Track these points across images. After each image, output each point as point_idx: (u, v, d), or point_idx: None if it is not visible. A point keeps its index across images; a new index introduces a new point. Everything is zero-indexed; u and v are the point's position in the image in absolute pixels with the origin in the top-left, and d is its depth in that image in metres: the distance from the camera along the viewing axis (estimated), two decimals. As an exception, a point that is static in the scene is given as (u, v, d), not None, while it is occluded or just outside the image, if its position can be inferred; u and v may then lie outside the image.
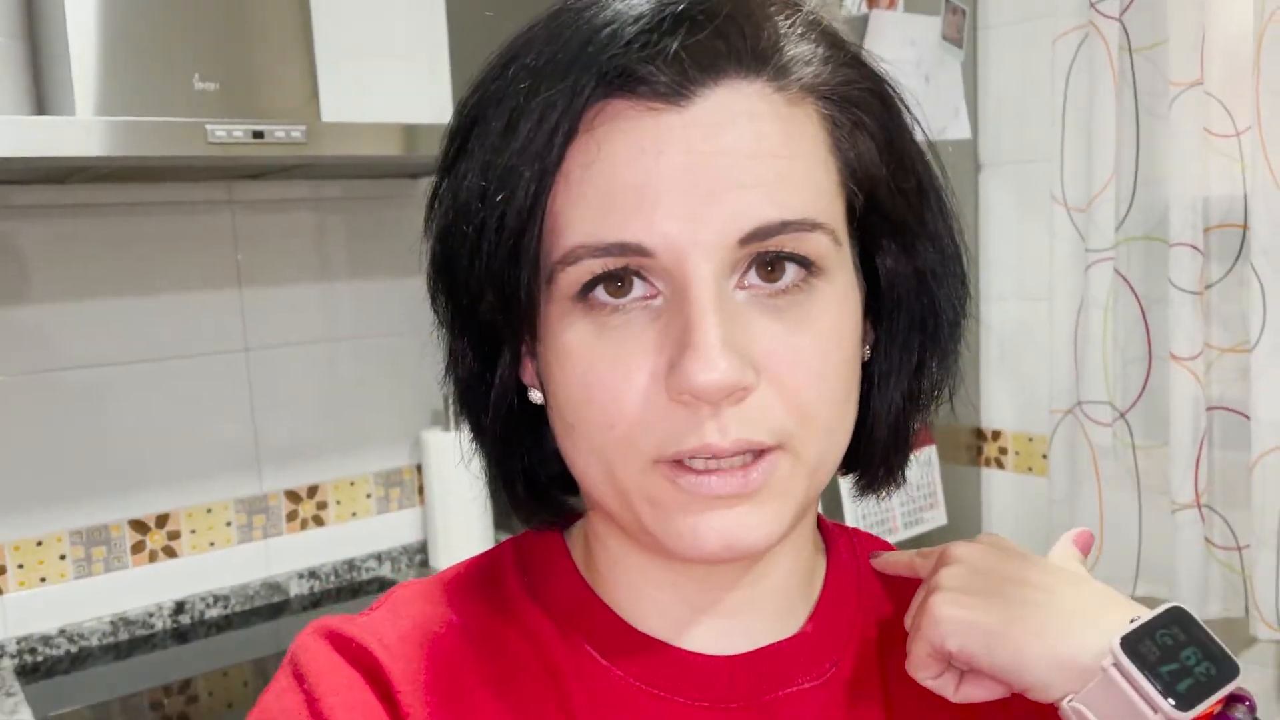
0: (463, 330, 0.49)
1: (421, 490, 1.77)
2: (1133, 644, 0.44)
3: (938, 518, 1.57)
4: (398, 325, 1.74)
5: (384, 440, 1.74)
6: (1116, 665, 0.44)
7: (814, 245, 0.43)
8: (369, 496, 1.73)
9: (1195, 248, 1.31)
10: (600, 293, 0.43)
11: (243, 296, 1.60)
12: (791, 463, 0.44)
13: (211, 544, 1.59)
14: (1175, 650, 0.44)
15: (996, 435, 1.69)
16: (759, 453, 0.43)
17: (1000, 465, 1.69)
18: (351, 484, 1.71)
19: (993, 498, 1.71)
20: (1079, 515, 1.49)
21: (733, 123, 0.42)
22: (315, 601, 1.64)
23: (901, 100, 0.48)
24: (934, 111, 1.54)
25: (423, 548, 1.77)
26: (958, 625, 0.47)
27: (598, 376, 0.43)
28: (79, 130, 1.14)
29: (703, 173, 0.41)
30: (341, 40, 1.59)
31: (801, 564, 0.53)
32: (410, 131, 1.36)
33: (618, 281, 0.43)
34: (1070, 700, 0.45)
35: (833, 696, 0.51)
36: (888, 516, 1.51)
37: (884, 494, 0.53)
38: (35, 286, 1.43)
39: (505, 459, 0.51)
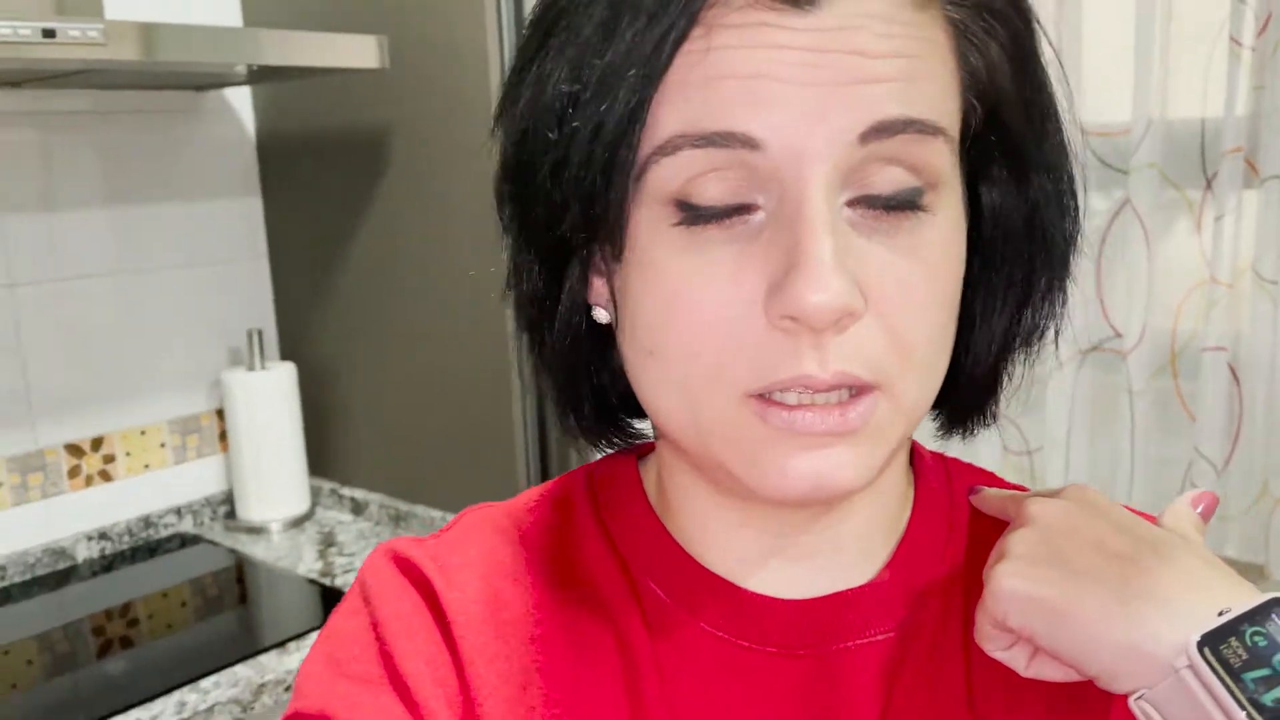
0: (531, 242, 0.45)
1: (224, 436, 1.63)
2: (1214, 642, 0.38)
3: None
4: (192, 255, 1.57)
5: (177, 384, 1.58)
6: (1191, 667, 0.38)
7: (934, 154, 0.41)
8: (163, 446, 1.57)
9: None
10: (693, 203, 0.40)
11: (3, 223, 1.38)
12: (891, 406, 0.42)
13: (-23, 509, 1.39)
14: (1268, 653, 0.38)
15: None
16: (856, 392, 0.40)
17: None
18: (142, 433, 1.55)
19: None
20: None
21: (860, 26, 0.39)
22: (108, 565, 1.48)
23: (1034, 13, 0.45)
24: None
25: (228, 498, 1.63)
26: (1019, 601, 0.42)
27: (686, 298, 0.40)
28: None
29: (824, 68, 0.38)
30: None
31: (887, 505, 0.50)
32: (214, 35, 1.21)
33: (712, 191, 0.40)
34: (1138, 698, 0.40)
35: (908, 649, 0.48)
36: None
37: (971, 434, 0.51)
38: None
39: (572, 380, 0.49)
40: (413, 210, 1.45)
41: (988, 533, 0.51)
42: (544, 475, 1.40)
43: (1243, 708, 0.37)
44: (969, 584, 0.50)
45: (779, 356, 0.39)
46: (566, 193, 0.41)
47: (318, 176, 1.56)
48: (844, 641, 0.48)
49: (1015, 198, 0.46)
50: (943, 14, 0.42)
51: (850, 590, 0.49)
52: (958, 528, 0.52)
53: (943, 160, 0.41)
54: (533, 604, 0.50)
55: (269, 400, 1.54)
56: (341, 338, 1.59)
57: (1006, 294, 0.47)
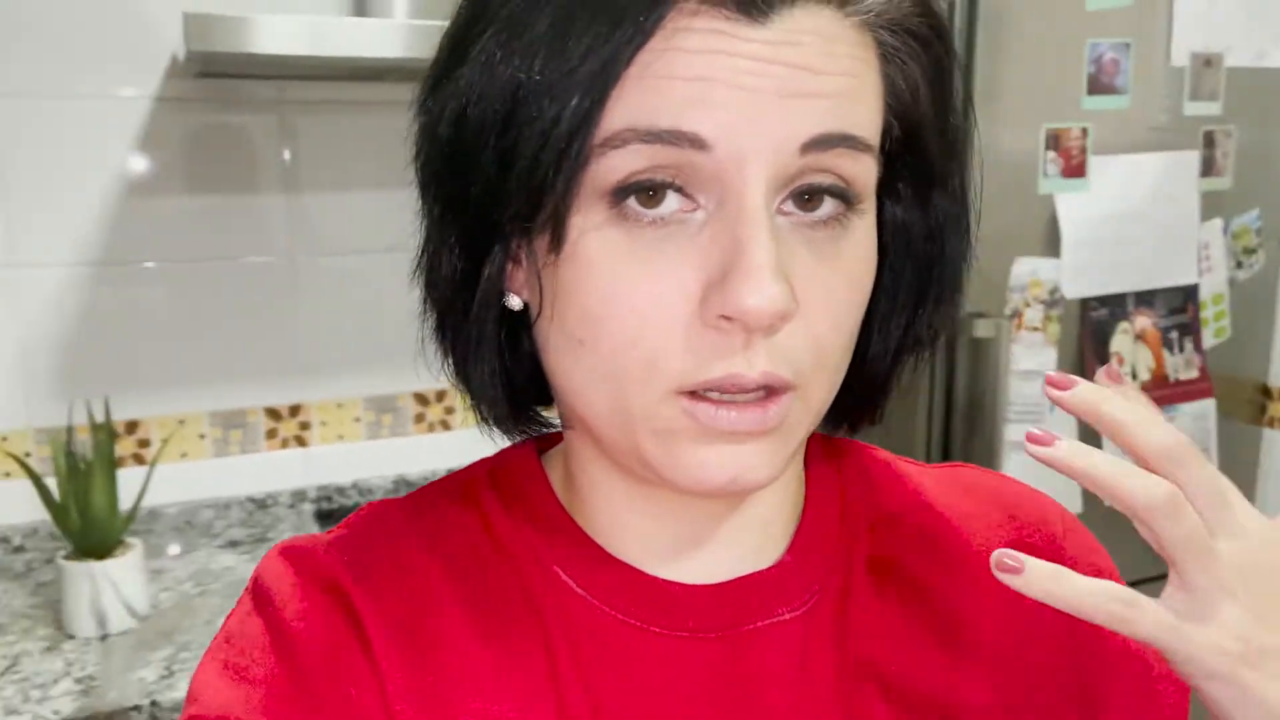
0: (456, 223, 0.45)
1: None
2: None
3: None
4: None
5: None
6: None
7: (863, 169, 0.43)
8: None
9: None
10: (633, 203, 0.41)
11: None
12: (803, 406, 0.44)
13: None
14: None
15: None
16: (772, 391, 0.42)
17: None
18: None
19: (1275, 464, 1.58)
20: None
21: (806, 41, 0.40)
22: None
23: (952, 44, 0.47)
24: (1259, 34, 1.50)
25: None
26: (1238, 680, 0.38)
27: (623, 292, 0.41)
28: (396, 32, 1.28)
29: (772, 78, 0.39)
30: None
31: (787, 489, 0.52)
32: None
33: (650, 191, 0.40)
34: None
35: (815, 626, 0.50)
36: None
37: (855, 431, 0.52)
38: (301, 175, 1.57)
39: (482, 365, 0.48)
40: None
41: (876, 505, 0.54)
42: (945, 456, 1.45)
43: None
44: (868, 558, 0.52)
45: (710, 354, 0.41)
46: (512, 182, 0.41)
47: None
48: (753, 622, 0.49)
49: (919, 215, 0.48)
50: (874, 37, 0.43)
51: (756, 573, 0.50)
52: (850, 504, 0.54)
53: (869, 176, 0.43)
54: (446, 599, 0.49)
55: None
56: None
57: (903, 303, 0.49)
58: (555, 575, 0.49)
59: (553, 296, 0.43)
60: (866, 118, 0.42)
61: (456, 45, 0.43)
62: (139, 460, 1.53)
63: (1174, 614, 0.38)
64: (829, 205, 0.42)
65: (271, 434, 1.62)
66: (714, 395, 0.41)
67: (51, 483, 1.39)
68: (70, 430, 1.41)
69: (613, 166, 0.40)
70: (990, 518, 0.55)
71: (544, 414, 0.52)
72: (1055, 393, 0.41)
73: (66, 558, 1.33)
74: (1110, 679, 0.53)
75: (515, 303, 0.46)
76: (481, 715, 0.46)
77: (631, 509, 0.49)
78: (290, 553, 0.50)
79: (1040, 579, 0.38)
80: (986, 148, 1.39)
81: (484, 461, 0.55)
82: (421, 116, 0.45)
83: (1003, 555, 0.38)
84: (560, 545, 0.50)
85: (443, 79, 0.44)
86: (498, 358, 0.48)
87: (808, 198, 0.42)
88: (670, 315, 0.41)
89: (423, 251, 0.47)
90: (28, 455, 1.47)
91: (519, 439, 0.52)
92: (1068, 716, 0.52)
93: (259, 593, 0.49)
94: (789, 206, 0.42)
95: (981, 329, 1.42)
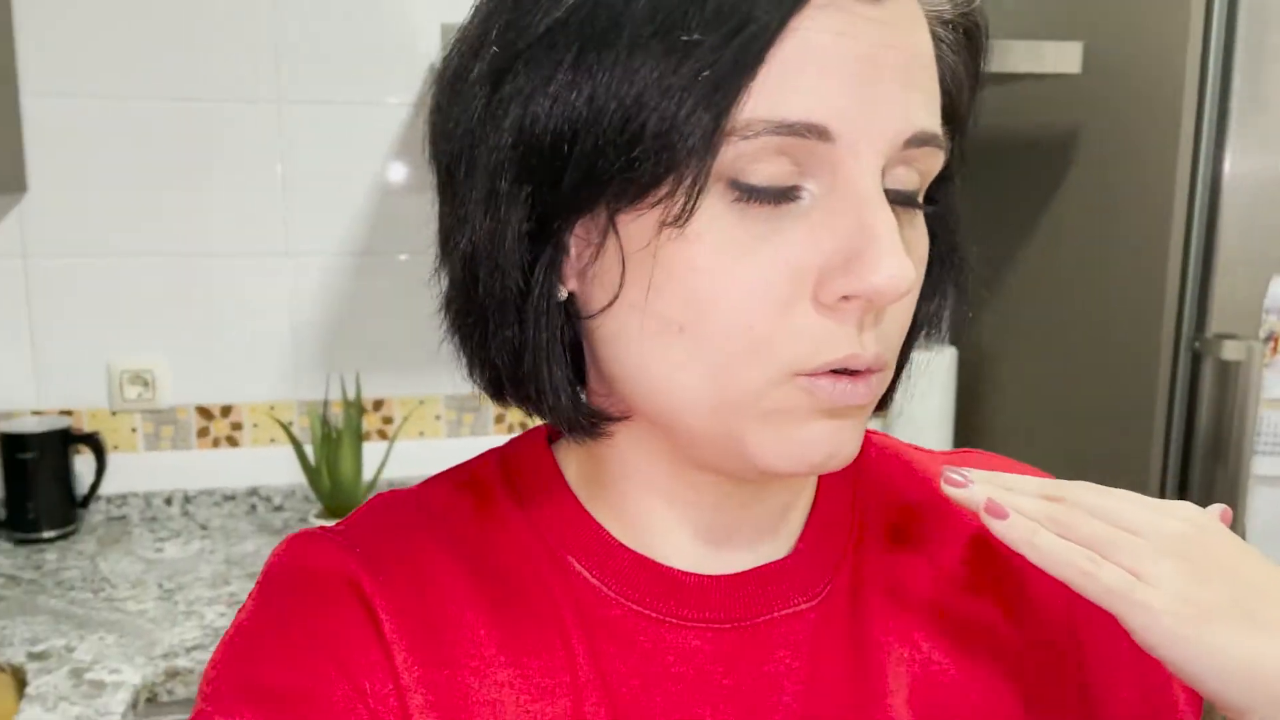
0: (522, 210, 0.43)
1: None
2: None
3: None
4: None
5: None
6: None
7: (936, 163, 0.44)
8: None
9: None
10: (748, 182, 0.40)
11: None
12: (882, 384, 0.44)
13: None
14: None
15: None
16: (869, 368, 0.43)
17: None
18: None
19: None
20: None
21: (912, 27, 0.42)
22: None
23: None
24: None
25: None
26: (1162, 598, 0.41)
27: (736, 275, 0.40)
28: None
29: (891, 67, 0.40)
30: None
31: (804, 479, 0.52)
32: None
33: (768, 171, 0.40)
34: None
35: (829, 615, 0.50)
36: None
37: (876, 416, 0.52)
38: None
39: (541, 359, 0.45)
40: (1086, 211, 1.50)
41: (887, 491, 0.55)
42: (1182, 487, 1.40)
43: None
44: (879, 547, 0.53)
45: (827, 336, 0.41)
46: (645, 164, 0.39)
47: (1001, 176, 1.65)
48: (769, 612, 0.49)
49: (940, 206, 0.49)
50: (931, 30, 0.44)
51: (771, 564, 0.50)
52: (860, 490, 0.54)
53: (937, 165, 0.44)
54: (458, 589, 0.48)
55: (928, 378, 1.66)
56: (1001, 329, 1.70)
57: (923, 290, 0.49)
58: (569, 565, 0.49)
59: (645, 281, 0.42)
60: (938, 112, 0.44)
61: (521, 33, 0.41)
62: (382, 436, 1.67)
63: (1126, 582, 0.41)
64: (910, 184, 0.43)
65: (499, 419, 1.73)
66: (830, 373, 0.42)
67: (308, 451, 1.55)
68: (326, 404, 1.56)
69: (736, 154, 0.39)
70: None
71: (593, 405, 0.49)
72: (954, 491, 0.45)
73: (317, 516, 1.47)
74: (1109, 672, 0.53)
75: (563, 293, 0.45)
76: (496, 704, 0.46)
77: (666, 498, 0.49)
78: (302, 544, 0.49)
79: (989, 501, 0.44)
80: (1241, 161, 1.30)
81: (493, 452, 0.54)
82: (470, 107, 0.43)
83: (948, 471, 0.45)
84: (575, 536, 0.50)
85: (542, 48, 0.41)
86: (561, 349, 0.46)
87: (900, 186, 0.43)
88: (786, 298, 0.41)
89: (450, 248, 0.46)
90: (290, 424, 1.64)
91: (586, 435, 0.49)
92: (1073, 704, 0.52)
93: (271, 584, 0.48)
94: (885, 191, 0.43)
95: (1230, 351, 1.32)
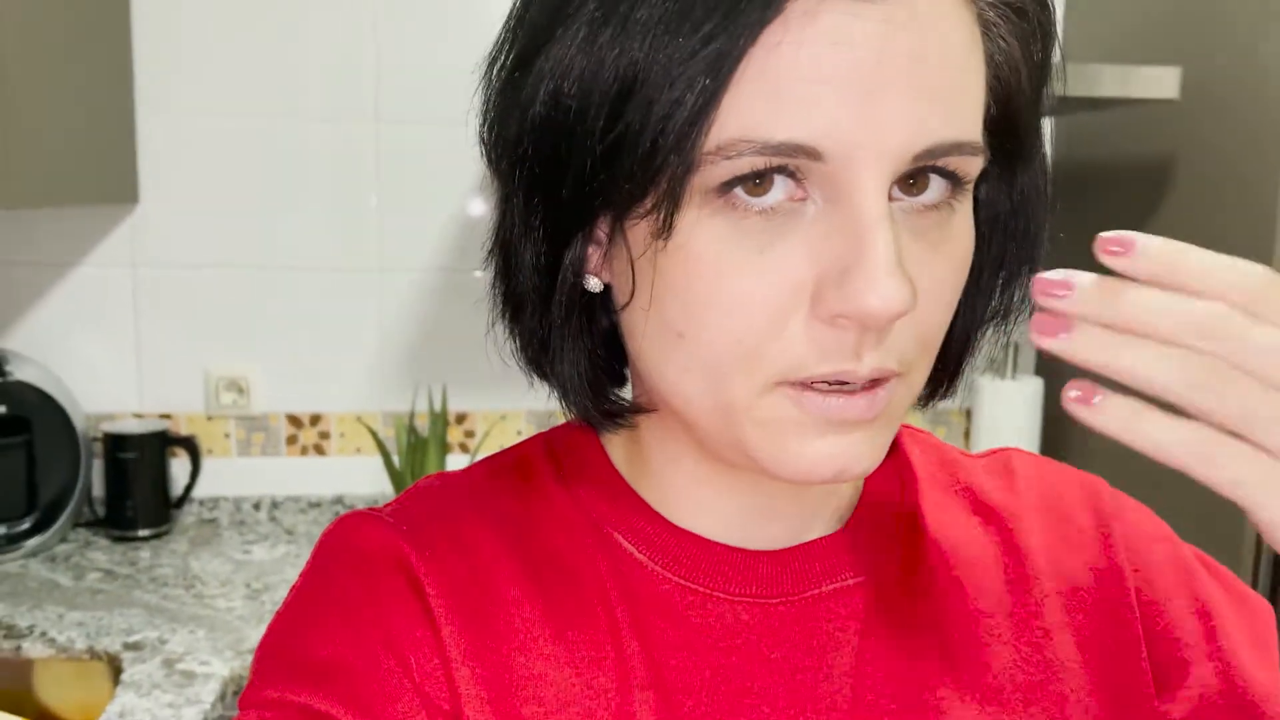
0: (541, 208, 0.44)
1: (967, 434, 1.79)
2: None
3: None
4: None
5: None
6: None
7: (970, 165, 0.41)
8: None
9: None
10: (740, 192, 0.39)
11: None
12: (905, 391, 0.43)
13: (459, 465, 1.64)
14: None
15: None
16: (878, 378, 0.41)
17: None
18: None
19: None
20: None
21: (924, 22, 0.38)
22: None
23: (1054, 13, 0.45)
24: None
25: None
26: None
27: (729, 286, 0.40)
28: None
29: (892, 75, 0.38)
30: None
31: None
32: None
33: (757, 179, 0.39)
34: None
35: (878, 592, 0.50)
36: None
37: (933, 405, 0.51)
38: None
39: (564, 350, 0.47)
40: (1181, 238, 1.47)
41: (935, 476, 0.55)
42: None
43: None
44: (928, 527, 0.52)
45: (821, 350, 0.40)
46: (622, 169, 0.39)
47: (1092, 207, 1.64)
48: (817, 587, 0.49)
49: (1005, 191, 0.46)
50: (976, 11, 0.41)
51: (820, 539, 0.50)
52: (907, 476, 0.54)
53: (975, 168, 0.42)
54: (504, 567, 0.49)
55: (1015, 408, 1.66)
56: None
57: (989, 278, 0.48)
58: (616, 542, 0.49)
59: (649, 286, 0.42)
60: (973, 114, 0.41)
61: (551, 17, 0.41)
62: (464, 449, 1.70)
63: (1259, 469, 0.33)
64: (936, 188, 0.41)
65: (579, 437, 1.75)
66: (821, 385, 0.41)
67: (395, 461, 1.59)
68: (412, 415, 1.60)
69: (726, 172, 0.39)
70: (1031, 497, 0.55)
71: (621, 396, 0.50)
72: (1047, 342, 0.34)
73: (399, 525, 1.50)
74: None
75: (595, 284, 0.45)
76: (543, 679, 0.46)
77: (704, 484, 0.49)
78: (352, 523, 0.50)
79: (1152, 261, 0.34)
80: None
81: (540, 436, 0.55)
82: (507, 94, 0.44)
83: (1106, 240, 0.34)
84: (620, 513, 0.50)
85: (533, 53, 0.42)
86: (582, 341, 0.47)
87: (913, 181, 0.41)
88: (779, 311, 0.40)
89: (496, 238, 0.47)
90: (375, 435, 1.67)
91: (607, 426, 0.50)
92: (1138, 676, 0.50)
93: (320, 563, 0.49)
94: (896, 192, 0.41)
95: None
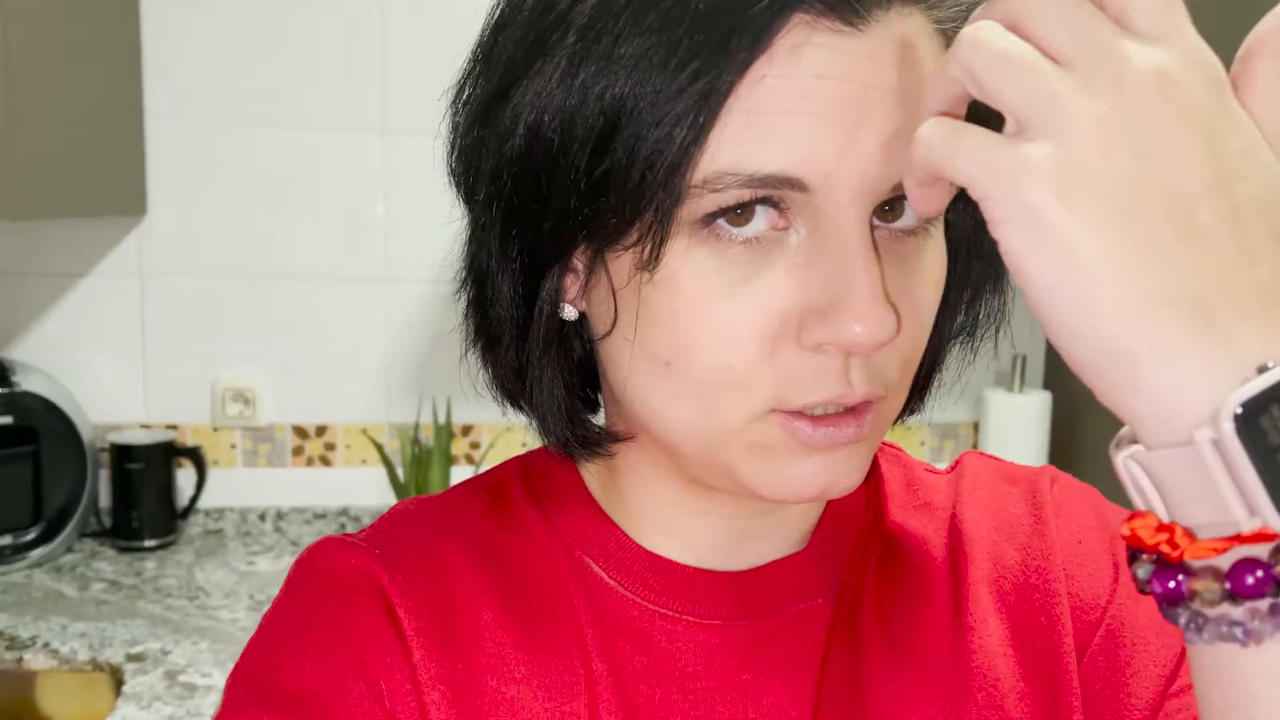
0: (518, 241, 0.44)
1: (976, 447, 1.78)
2: (1254, 410, 0.27)
3: None
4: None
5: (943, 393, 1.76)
6: (1216, 442, 0.28)
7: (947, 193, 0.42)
8: (922, 445, 1.75)
9: None
10: (723, 223, 0.39)
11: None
12: (887, 411, 0.44)
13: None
14: None
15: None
16: (864, 403, 0.42)
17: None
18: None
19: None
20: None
21: (901, 55, 0.39)
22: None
23: None
24: None
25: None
26: (1036, 239, 0.30)
27: (715, 317, 0.40)
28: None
29: (875, 108, 0.38)
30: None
31: None
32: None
33: (739, 209, 0.39)
34: (1130, 454, 0.30)
35: (841, 611, 0.50)
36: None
37: (902, 423, 0.50)
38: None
39: (542, 381, 0.47)
40: None
41: (900, 491, 0.55)
42: None
43: (1274, 496, 0.27)
44: (890, 543, 0.53)
45: (809, 378, 0.41)
46: (605, 204, 0.40)
47: None
48: (784, 608, 0.50)
49: (970, 209, 0.43)
50: (947, 41, 0.41)
51: (782, 560, 0.51)
52: (874, 490, 0.54)
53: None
54: (476, 590, 0.49)
55: (1022, 421, 1.65)
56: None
57: (956, 295, 0.49)
58: (587, 567, 0.50)
59: (633, 316, 0.42)
60: None
61: (527, 50, 0.41)
62: (469, 460, 1.70)
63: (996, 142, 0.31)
64: (911, 214, 0.42)
65: (585, 449, 1.74)
66: (814, 412, 0.41)
67: (399, 473, 1.59)
68: (417, 426, 1.60)
69: (711, 204, 0.39)
70: (988, 487, 0.56)
71: (595, 423, 0.50)
72: None
73: (403, 537, 1.50)
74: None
75: (571, 313, 0.46)
76: (513, 702, 0.47)
77: (679, 507, 0.50)
78: (324, 549, 0.50)
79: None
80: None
81: (516, 459, 0.55)
82: (480, 126, 0.44)
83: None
84: (593, 538, 0.50)
85: (509, 86, 0.42)
86: (559, 371, 0.47)
87: (889, 208, 0.41)
88: (769, 338, 0.40)
89: (470, 268, 0.47)
90: (381, 446, 1.67)
91: (583, 455, 0.50)
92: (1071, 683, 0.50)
93: (292, 589, 0.50)
94: (874, 220, 0.41)
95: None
